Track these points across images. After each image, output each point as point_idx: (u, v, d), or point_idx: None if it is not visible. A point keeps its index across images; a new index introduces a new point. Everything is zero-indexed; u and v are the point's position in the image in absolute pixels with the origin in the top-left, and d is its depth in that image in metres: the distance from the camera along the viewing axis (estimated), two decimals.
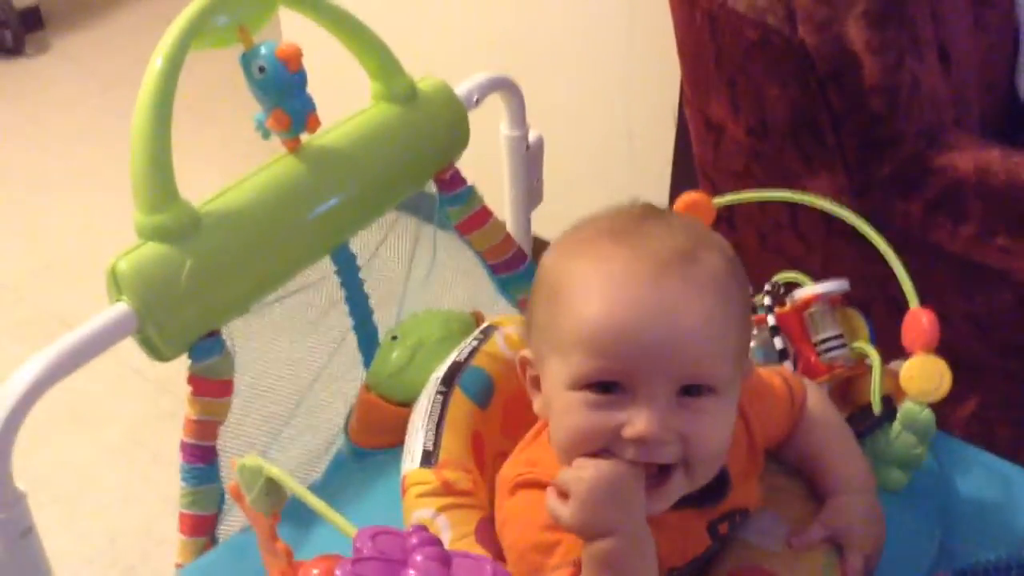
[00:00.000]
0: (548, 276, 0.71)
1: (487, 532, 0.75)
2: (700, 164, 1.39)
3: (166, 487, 1.08)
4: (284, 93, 0.87)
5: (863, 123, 1.10)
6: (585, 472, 0.64)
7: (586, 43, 1.74)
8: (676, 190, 1.72)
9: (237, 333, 0.92)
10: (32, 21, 3.05)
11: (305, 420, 1.03)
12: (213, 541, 0.96)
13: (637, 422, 0.63)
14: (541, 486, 0.69)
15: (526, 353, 0.74)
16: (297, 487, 0.59)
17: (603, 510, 0.63)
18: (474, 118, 1.13)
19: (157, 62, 0.83)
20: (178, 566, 0.95)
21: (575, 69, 1.78)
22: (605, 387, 0.65)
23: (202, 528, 0.91)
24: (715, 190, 1.39)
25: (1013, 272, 1.05)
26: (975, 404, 1.19)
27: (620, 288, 0.65)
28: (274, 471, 0.60)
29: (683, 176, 1.66)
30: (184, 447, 0.89)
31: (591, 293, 0.66)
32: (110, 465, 1.68)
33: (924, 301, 1.16)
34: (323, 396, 1.04)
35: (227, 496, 0.92)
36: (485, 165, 1.19)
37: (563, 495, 0.65)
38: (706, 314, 0.65)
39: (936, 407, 1.24)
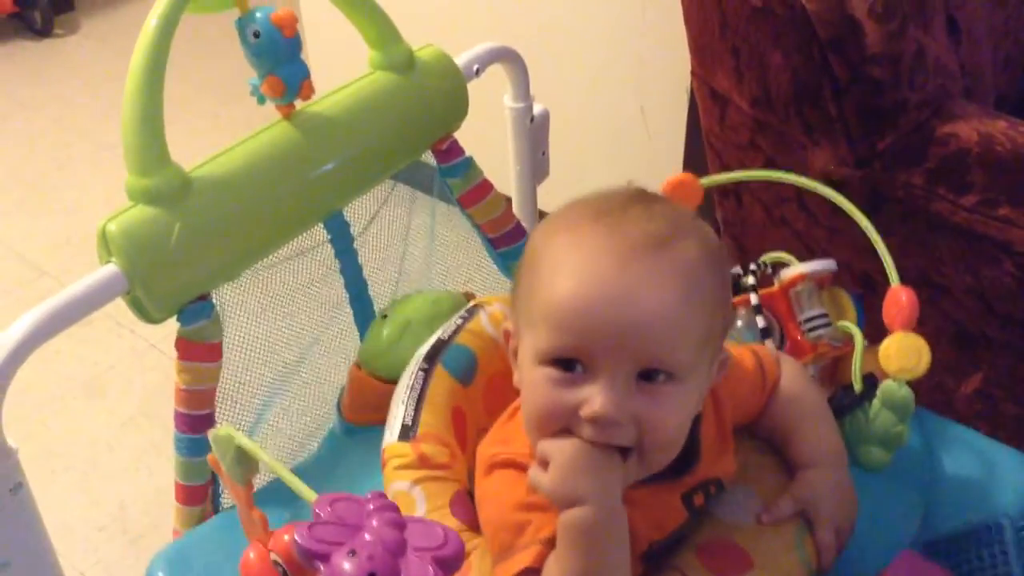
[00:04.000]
0: (531, 250, 0.73)
1: (462, 504, 0.77)
2: (707, 136, 1.38)
3: None
4: (278, 59, 0.88)
5: (865, 92, 1.08)
6: (567, 443, 0.66)
7: (598, 16, 1.73)
8: (689, 164, 1.71)
9: (228, 298, 0.93)
10: (62, 2, 3.09)
11: (299, 392, 1.04)
12: (216, 509, 0.98)
13: (593, 401, 0.65)
14: (515, 466, 0.72)
15: (508, 325, 0.76)
16: (263, 455, 0.60)
17: (581, 479, 0.65)
18: (482, 90, 1.13)
19: (151, 24, 0.84)
20: (176, 533, 0.97)
21: (587, 42, 1.77)
22: (567, 364, 0.66)
23: (195, 498, 0.93)
24: (722, 163, 1.38)
25: (1015, 243, 1.03)
26: (979, 381, 1.18)
27: (587, 267, 0.66)
28: (243, 440, 0.62)
29: (695, 150, 1.65)
30: (176, 415, 0.90)
31: (561, 270, 0.67)
32: (123, 436, 1.71)
33: (926, 274, 1.15)
34: (319, 366, 1.05)
35: None
36: (491, 138, 1.19)
37: (544, 464, 0.66)
38: (669, 301, 0.66)
39: (941, 383, 1.23)
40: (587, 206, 0.71)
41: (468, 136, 1.13)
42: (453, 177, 1.10)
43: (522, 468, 0.70)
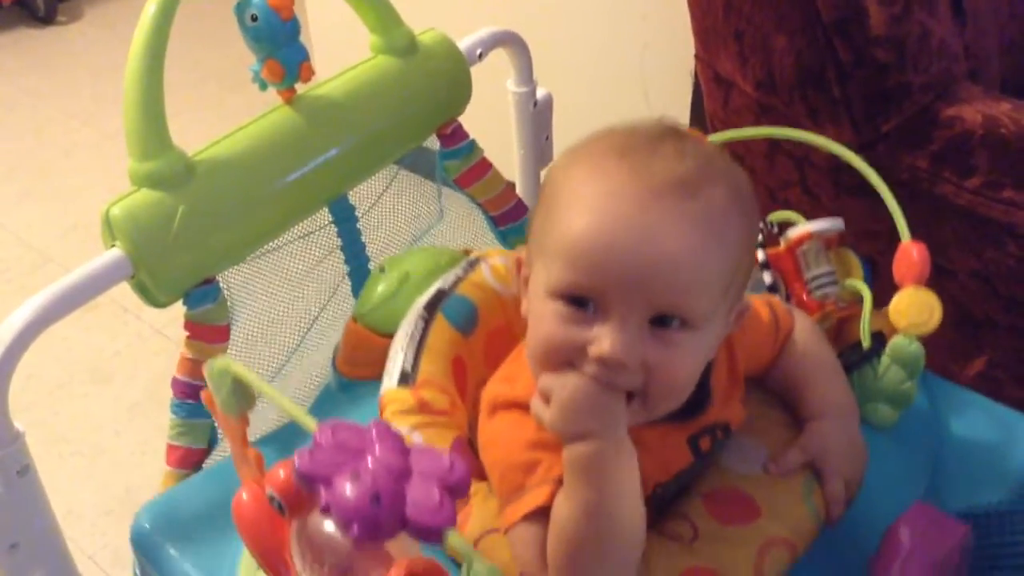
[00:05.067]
0: (551, 181, 0.70)
1: (463, 451, 0.75)
2: (711, 121, 1.37)
3: None
4: (276, 42, 0.88)
5: (869, 74, 1.08)
6: (569, 378, 0.64)
7: (604, 3, 1.72)
8: None
9: (233, 281, 0.94)
10: None
11: (298, 367, 1.04)
12: None
13: (603, 342, 0.63)
14: (520, 406, 0.69)
15: (522, 254, 0.74)
16: (262, 384, 0.59)
17: (584, 415, 0.63)
18: (486, 75, 1.13)
19: (150, 9, 0.84)
20: None
21: (591, 26, 1.76)
22: (579, 302, 0.64)
23: (188, 460, 0.93)
24: (727, 150, 1.37)
25: (1018, 226, 1.03)
26: (983, 363, 1.17)
27: (608, 205, 0.64)
28: (239, 368, 0.60)
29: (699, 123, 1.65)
30: (176, 383, 0.90)
31: (580, 205, 0.65)
32: (130, 421, 1.72)
33: (931, 258, 1.14)
34: (318, 344, 1.05)
35: (219, 436, 0.93)
36: (496, 123, 1.19)
37: (546, 399, 0.65)
38: (690, 246, 0.63)
39: (945, 366, 1.22)
40: (614, 140, 0.68)
41: (472, 121, 1.13)
42: (454, 159, 1.10)
43: (527, 409, 0.68)
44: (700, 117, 1.54)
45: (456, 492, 0.50)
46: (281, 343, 1.03)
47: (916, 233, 0.88)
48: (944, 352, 1.08)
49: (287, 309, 1.02)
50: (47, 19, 3.04)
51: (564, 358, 0.65)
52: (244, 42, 0.90)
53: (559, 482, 0.65)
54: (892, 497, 0.78)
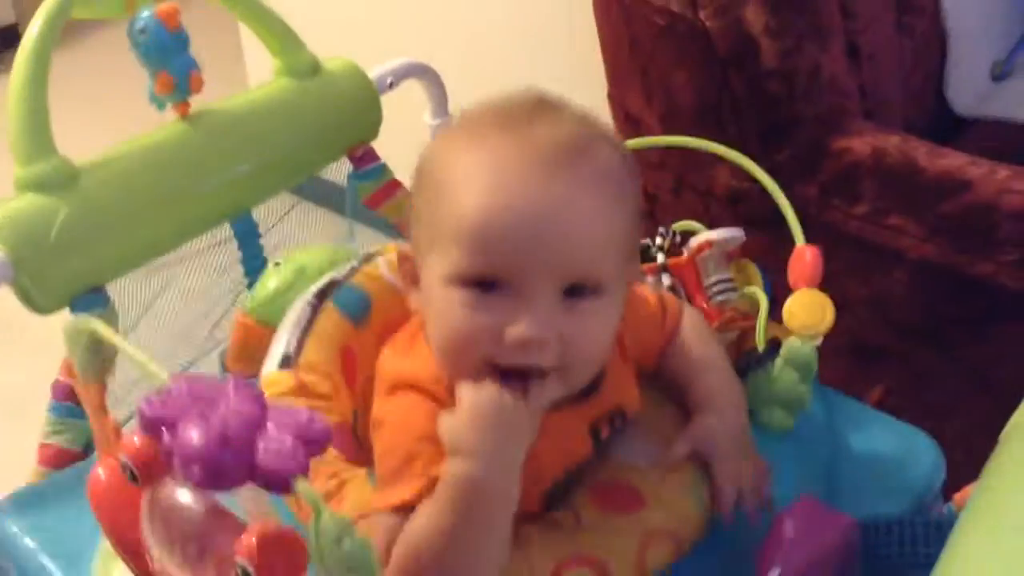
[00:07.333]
0: (432, 166, 0.68)
1: (343, 437, 0.73)
2: None
3: None
4: (166, 53, 0.89)
5: (762, 106, 1.12)
6: (484, 393, 0.62)
7: (521, 38, 1.76)
8: None
9: (127, 291, 0.93)
10: (10, 38, 3.10)
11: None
12: None
13: (519, 324, 0.61)
14: (419, 389, 0.68)
15: (405, 247, 0.72)
16: (113, 336, 0.57)
17: (482, 433, 0.61)
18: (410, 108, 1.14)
19: (35, 24, 0.86)
20: None
21: (509, 62, 1.79)
22: (485, 285, 0.63)
23: (60, 460, 0.91)
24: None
25: (905, 251, 1.06)
26: (881, 391, 1.19)
27: (505, 181, 0.62)
28: (98, 325, 0.58)
29: None
30: (56, 386, 0.90)
31: (474, 185, 0.63)
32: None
33: (823, 287, 1.17)
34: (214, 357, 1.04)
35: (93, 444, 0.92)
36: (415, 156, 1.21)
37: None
38: (595, 211, 0.63)
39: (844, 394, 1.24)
40: (489, 115, 0.67)
41: (396, 156, 1.13)
42: (365, 180, 1.11)
43: (426, 394, 0.67)
44: None
45: (312, 446, 0.48)
46: (179, 354, 1.02)
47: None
48: (841, 383, 1.09)
49: (184, 321, 1.02)
50: None
51: (479, 349, 0.63)
52: (138, 60, 0.92)
53: (433, 481, 0.63)
54: (785, 501, 0.77)
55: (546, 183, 0.62)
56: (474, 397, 0.62)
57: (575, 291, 0.64)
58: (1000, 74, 1.64)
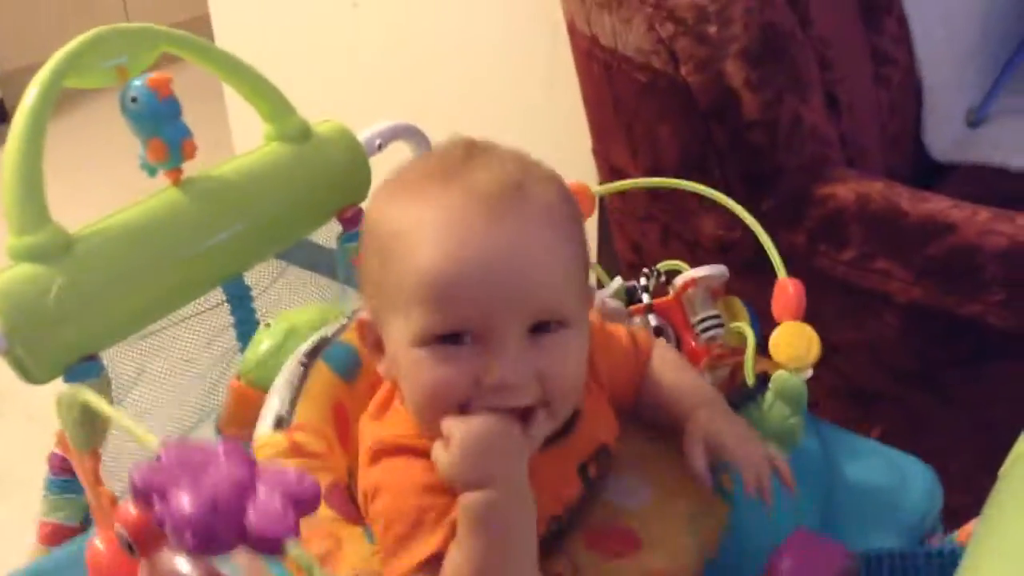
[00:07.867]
0: (379, 228, 0.68)
1: (339, 495, 0.73)
2: (610, 212, 1.42)
3: None
4: (157, 121, 0.90)
5: (745, 157, 1.13)
6: (473, 421, 0.62)
7: (506, 97, 1.79)
8: (603, 241, 1.74)
9: (119, 359, 0.93)
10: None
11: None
12: None
13: (495, 369, 0.62)
14: (405, 450, 0.68)
15: (364, 315, 0.72)
16: (105, 406, 0.57)
17: (487, 458, 0.62)
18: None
19: (31, 94, 0.86)
20: None
21: (496, 122, 1.81)
22: (453, 338, 0.63)
23: (59, 536, 0.90)
24: (624, 235, 1.42)
25: (893, 294, 1.07)
26: (877, 434, 1.19)
27: (455, 233, 0.62)
28: (89, 395, 0.58)
29: (604, 224, 1.69)
30: (53, 458, 0.89)
31: (424, 241, 0.63)
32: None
33: (817, 330, 1.18)
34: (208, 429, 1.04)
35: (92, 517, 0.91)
36: None
37: (448, 443, 0.63)
38: (547, 245, 0.64)
39: None
40: (424, 169, 0.68)
41: None
42: (353, 241, 1.12)
43: (413, 452, 0.66)
44: (603, 209, 1.59)
45: (302, 506, 0.48)
46: (173, 422, 1.01)
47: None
48: (839, 426, 1.10)
49: (178, 388, 1.02)
50: None
51: (456, 400, 0.63)
52: (130, 129, 0.93)
53: (452, 527, 0.63)
54: (781, 536, 0.77)
55: (496, 227, 0.62)
56: (464, 427, 0.62)
57: (541, 327, 0.64)
58: (975, 120, 1.68)
